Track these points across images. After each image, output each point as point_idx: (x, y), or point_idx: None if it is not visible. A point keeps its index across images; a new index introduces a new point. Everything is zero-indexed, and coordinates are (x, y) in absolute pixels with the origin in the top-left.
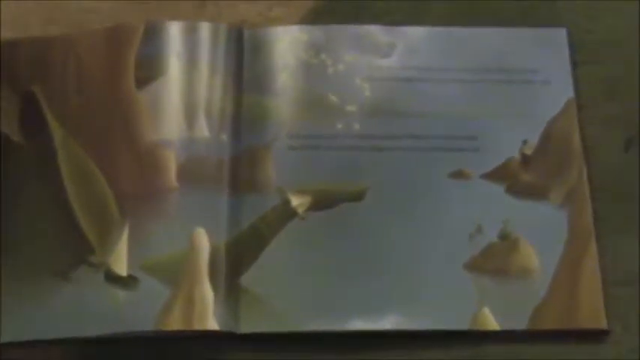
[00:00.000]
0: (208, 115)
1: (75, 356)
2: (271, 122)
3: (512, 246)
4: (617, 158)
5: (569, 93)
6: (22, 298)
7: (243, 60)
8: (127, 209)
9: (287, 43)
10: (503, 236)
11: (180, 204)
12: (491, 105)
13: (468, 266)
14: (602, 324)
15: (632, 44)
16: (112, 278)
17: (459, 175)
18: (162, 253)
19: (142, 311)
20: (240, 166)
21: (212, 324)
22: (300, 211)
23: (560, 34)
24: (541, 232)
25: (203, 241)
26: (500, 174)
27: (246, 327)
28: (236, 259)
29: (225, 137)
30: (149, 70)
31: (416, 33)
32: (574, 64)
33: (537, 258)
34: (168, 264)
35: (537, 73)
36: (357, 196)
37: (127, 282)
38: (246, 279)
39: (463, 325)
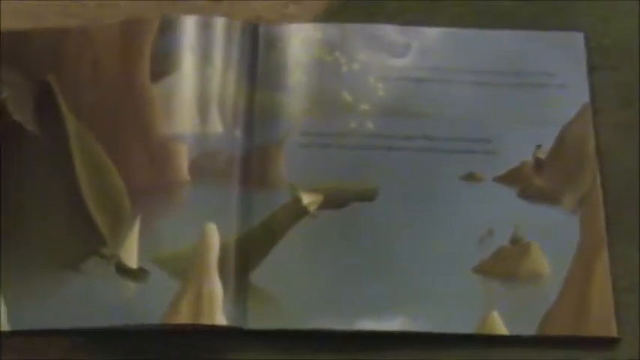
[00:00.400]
0: (221, 110)
1: (82, 347)
2: (284, 119)
3: (523, 250)
4: (631, 164)
5: (585, 98)
6: (33, 288)
7: (258, 56)
8: (139, 202)
9: (301, 41)
10: (515, 240)
11: (191, 198)
12: (505, 108)
13: (478, 269)
14: (613, 331)
15: None
16: (123, 270)
17: (471, 177)
18: (173, 247)
19: (151, 304)
20: (251, 162)
21: (220, 319)
22: (311, 209)
23: (578, 39)
24: (553, 237)
25: (214, 236)
26: (513, 178)
27: (253, 323)
28: (246, 256)
29: (238, 133)
30: (163, 64)
31: (431, 34)
32: (590, 69)
33: (548, 263)
34: (178, 258)
35: (553, 77)
36: (369, 196)
37: (137, 274)
38: (256, 275)
39: (470, 328)
